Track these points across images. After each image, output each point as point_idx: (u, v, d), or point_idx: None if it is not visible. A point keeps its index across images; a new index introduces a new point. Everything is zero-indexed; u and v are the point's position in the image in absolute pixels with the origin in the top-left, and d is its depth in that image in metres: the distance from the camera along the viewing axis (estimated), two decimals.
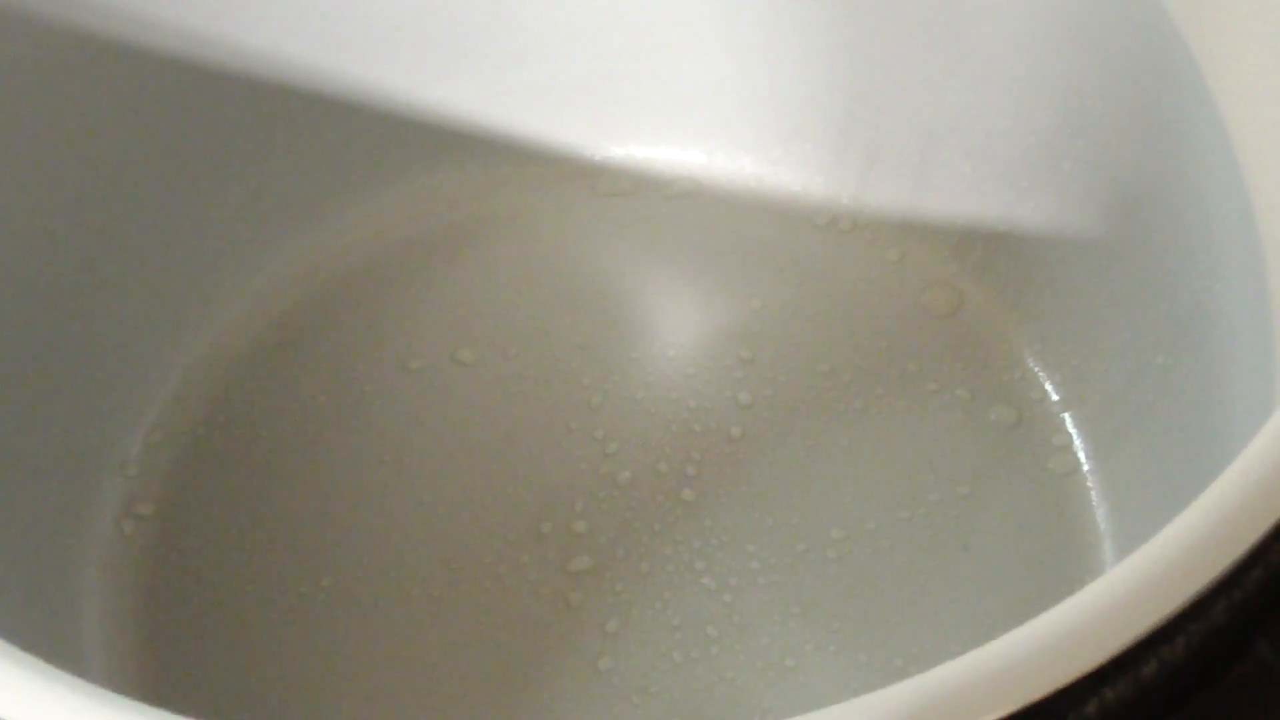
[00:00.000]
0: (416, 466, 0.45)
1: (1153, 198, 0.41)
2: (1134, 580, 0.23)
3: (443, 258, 0.49)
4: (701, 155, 0.51)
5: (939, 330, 0.48)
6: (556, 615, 0.43)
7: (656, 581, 0.43)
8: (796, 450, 0.45)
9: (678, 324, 0.48)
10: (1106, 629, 0.23)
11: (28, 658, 0.26)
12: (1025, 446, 0.45)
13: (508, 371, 0.47)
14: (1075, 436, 0.45)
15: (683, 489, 0.44)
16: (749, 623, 0.42)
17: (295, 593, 0.43)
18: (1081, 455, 0.45)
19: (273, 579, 0.44)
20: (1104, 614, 0.23)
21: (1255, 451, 0.25)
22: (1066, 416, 0.45)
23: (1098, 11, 0.41)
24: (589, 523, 0.44)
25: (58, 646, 0.41)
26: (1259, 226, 0.36)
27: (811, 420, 0.46)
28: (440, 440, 0.46)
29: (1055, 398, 0.46)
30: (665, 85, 0.50)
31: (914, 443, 0.45)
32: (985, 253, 0.48)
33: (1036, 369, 0.46)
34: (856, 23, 0.48)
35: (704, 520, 0.44)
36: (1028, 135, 0.45)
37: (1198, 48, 0.38)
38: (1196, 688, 0.26)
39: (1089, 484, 0.44)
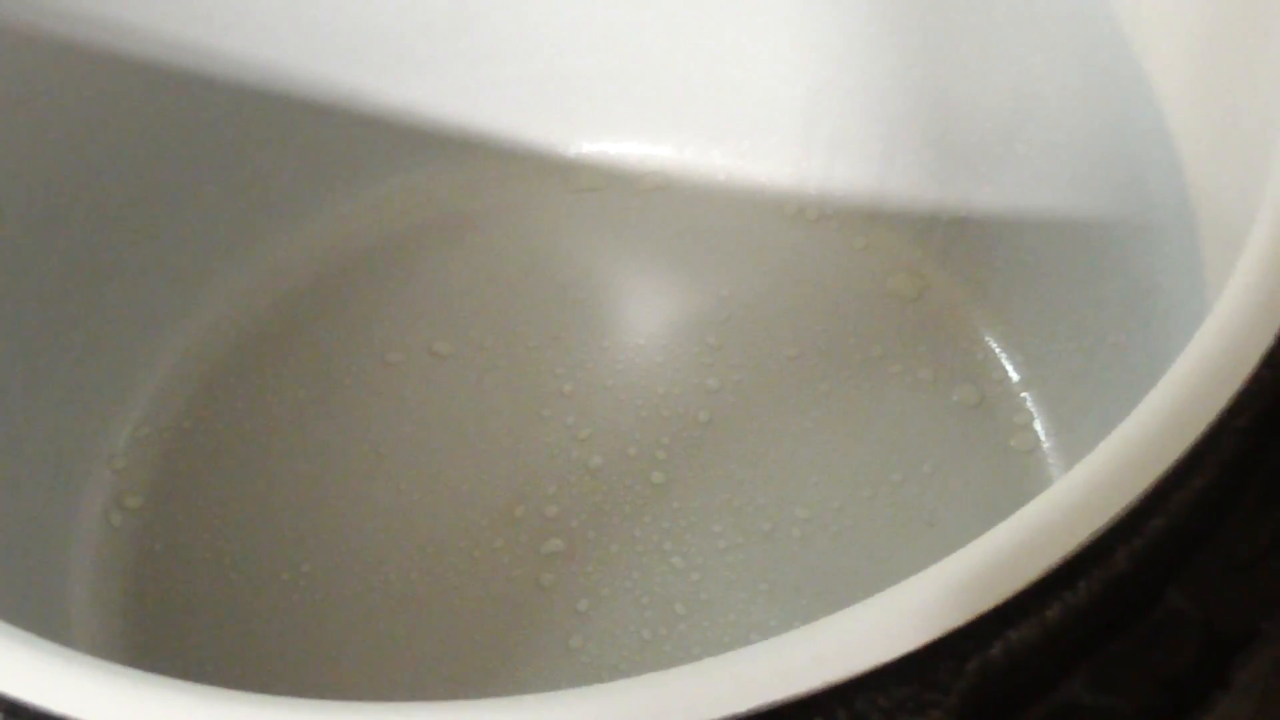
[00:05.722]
0: (395, 455, 0.47)
1: (1099, 180, 0.43)
2: (1030, 524, 0.25)
3: (419, 254, 0.51)
4: (672, 150, 0.52)
5: (903, 314, 0.49)
6: (529, 596, 0.44)
7: (626, 562, 0.44)
8: (763, 433, 0.46)
9: (648, 313, 0.49)
10: (1004, 570, 0.24)
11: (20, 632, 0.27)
12: (987, 425, 0.46)
13: (483, 362, 0.48)
14: (1035, 415, 0.46)
15: (652, 472, 0.46)
16: (716, 600, 0.43)
17: (277, 579, 0.45)
18: (1041, 433, 0.46)
19: (255, 566, 0.45)
20: (1001, 556, 0.24)
21: (1150, 404, 0.26)
22: (1027, 395, 0.46)
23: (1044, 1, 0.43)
24: (561, 506, 0.45)
25: (47, 634, 0.42)
26: (1192, 203, 0.37)
27: (778, 403, 0.47)
28: (417, 429, 0.47)
29: (1016, 378, 0.47)
30: (635, 82, 0.52)
31: (878, 423, 0.46)
32: (947, 238, 0.49)
33: (998, 350, 0.47)
34: (817, 17, 0.49)
35: (673, 502, 0.45)
36: (984, 122, 0.46)
37: (1134, 35, 0.39)
38: (1107, 634, 0.27)
39: (1049, 460, 0.45)
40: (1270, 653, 0.27)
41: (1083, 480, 0.25)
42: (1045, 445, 0.45)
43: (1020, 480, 0.45)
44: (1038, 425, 0.46)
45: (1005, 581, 0.24)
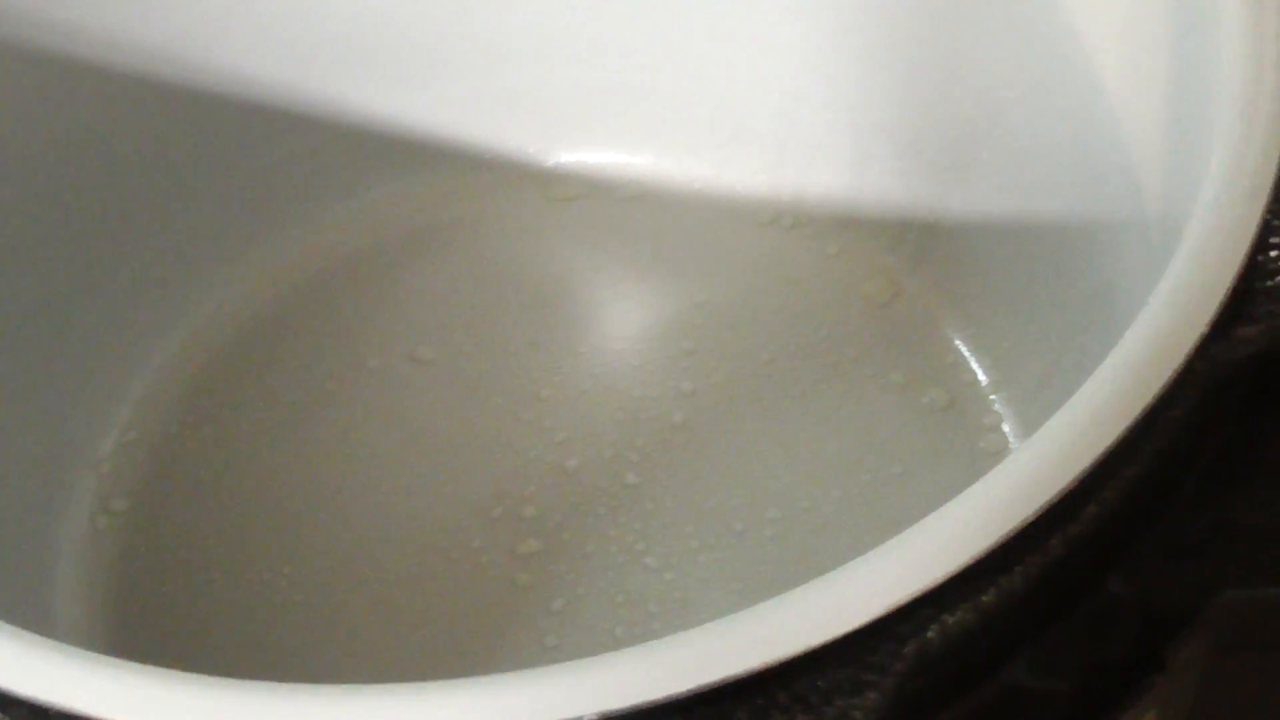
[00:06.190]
0: (376, 458, 0.48)
1: (1061, 185, 0.43)
2: (964, 512, 0.25)
3: (401, 262, 0.52)
4: (649, 159, 0.53)
5: (876, 319, 0.49)
6: (505, 595, 0.45)
7: (601, 562, 0.45)
8: (736, 435, 0.47)
9: (625, 319, 0.50)
10: (939, 556, 0.25)
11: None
12: (957, 427, 0.47)
13: (463, 367, 0.49)
14: (1004, 416, 0.47)
15: (627, 474, 0.46)
16: (689, 599, 0.44)
17: (260, 580, 0.45)
18: (1010, 434, 0.46)
19: (238, 567, 0.46)
20: (935, 543, 0.25)
21: (1082, 396, 0.27)
22: (996, 398, 0.47)
23: (1004, 8, 0.43)
24: (537, 507, 0.46)
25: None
26: (1146, 206, 0.38)
27: (751, 406, 0.48)
28: (399, 433, 0.48)
29: (985, 380, 0.48)
30: (613, 93, 0.53)
31: (850, 426, 0.47)
32: (919, 243, 0.50)
33: (968, 353, 0.48)
34: (789, 29, 0.50)
35: (647, 503, 0.46)
36: (951, 130, 0.47)
37: (1091, 45, 0.40)
38: (1049, 619, 0.28)
39: None
40: (1206, 636, 0.28)
41: (1015, 469, 0.26)
42: (1014, 446, 0.46)
43: None
44: (1006, 427, 0.47)
45: (939, 567, 0.25)
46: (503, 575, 0.45)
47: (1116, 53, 0.39)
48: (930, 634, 0.26)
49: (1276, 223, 0.30)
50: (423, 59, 0.51)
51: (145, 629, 0.45)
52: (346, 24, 0.50)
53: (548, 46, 0.52)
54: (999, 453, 0.46)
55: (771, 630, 0.25)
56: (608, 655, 0.24)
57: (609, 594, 0.44)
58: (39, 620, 0.44)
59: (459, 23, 0.51)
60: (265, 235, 0.51)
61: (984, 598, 0.26)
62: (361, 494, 0.47)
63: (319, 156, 0.52)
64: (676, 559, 0.45)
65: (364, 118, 0.51)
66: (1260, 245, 0.30)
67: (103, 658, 0.27)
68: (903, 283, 0.50)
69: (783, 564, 0.45)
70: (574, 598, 0.44)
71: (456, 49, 0.52)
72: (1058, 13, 0.41)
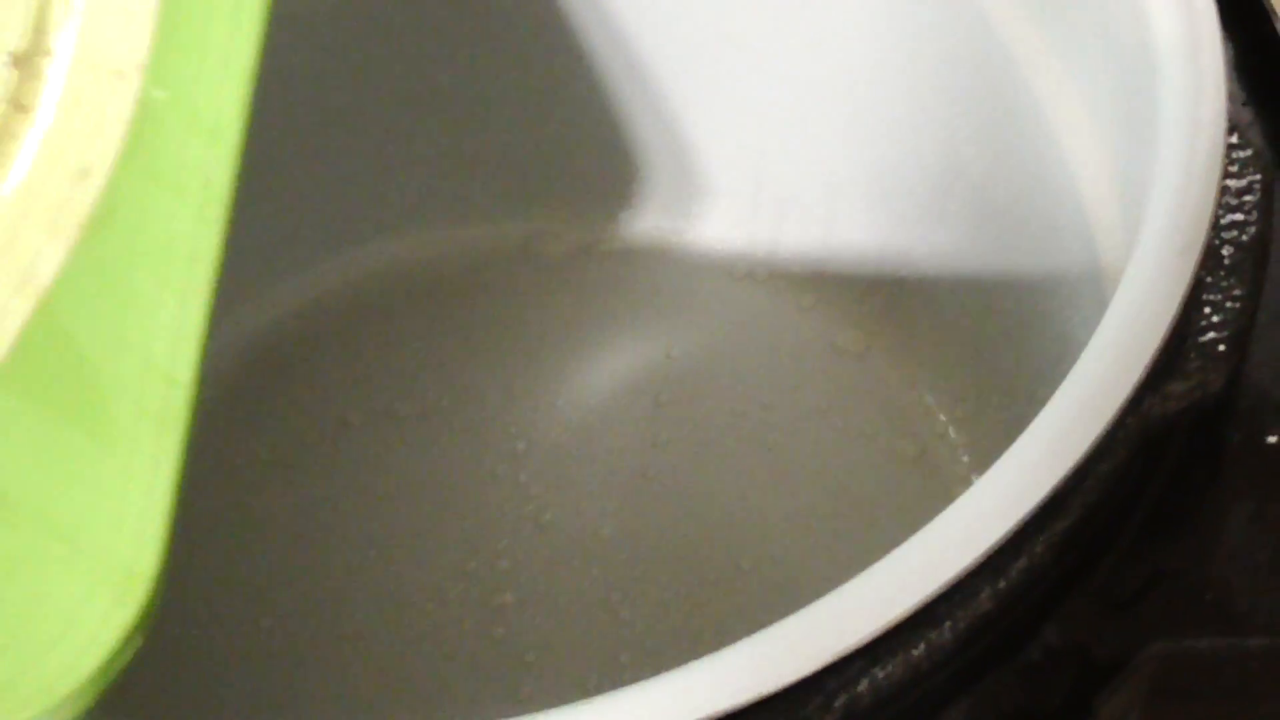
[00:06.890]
0: (354, 511, 0.48)
1: (1020, 238, 0.44)
2: (894, 569, 0.26)
3: (381, 319, 0.52)
4: (628, 216, 0.54)
5: (848, 370, 0.50)
6: (480, 647, 0.45)
7: (574, 614, 0.46)
8: (708, 485, 0.48)
9: (601, 373, 0.51)
10: (868, 612, 0.26)
11: None
12: (927, 477, 0.48)
13: (440, 423, 0.50)
14: (972, 467, 0.47)
15: (601, 526, 0.47)
16: (660, 649, 0.45)
17: (240, 634, 0.46)
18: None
19: (219, 621, 0.46)
20: (866, 600, 0.26)
21: (1013, 451, 0.27)
22: (963, 448, 0.48)
23: (963, 69, 0.44)
24: (512, 561, 0.47)
25: None
26: (1100, 261, 0.38)
27: (724, 457, 0.48)
28: (377, 487, 0.49)
29: (953, 431, 0.48)
30: (593, 152, 0.53)
31: (822, 476, 0.48)
32: (890, 296, 0.50)
33: (936, 404, 0.49)
34: (762, 89, 0.50)
35: (620, 555, 0.46)
36: (917, 185, 0.48)
37: (1047, 106, 0.41)
38: (982, 669, 0.28)
39: None
40: (1137, 686, 0.29)
41: (944, 528, 0.27)
42: None
43: None
44: (975, 477, 0.47)
45: (868, 623, 0.26)
46: (478, 627, 0.46)
47: (1068, 109, 0.40)
48: (860, 687, 0.26)
49: (1209, 279, 0.31)
50: (402, 120, 0.52)
51: (129, 683, 0.46)
52: (332, 80, 0.51)
53: (527, 108, 0.53)
54: None
55: (703, 686, 0.25)
56: (544, 714, 0.25)
57: (582, 645, 0.45)
58: None
59: (437, 85, 0.52)
60: (247, 292, 0.52)
61: (914, 651, 0.26)
62: (340, 548, 0.48)
63: (302, 214, 0.52)
64: (649, 610, 0.45)
65: (347, 176, 0.52)
66: (1192, 301, 0.30)
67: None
68: (874, 334, 0.50)
69: (754, 614, 0.44)
70: (548, 649, 0.45)
71: (435, 109, 0.52)
72: (1011, 71, 0.42)
